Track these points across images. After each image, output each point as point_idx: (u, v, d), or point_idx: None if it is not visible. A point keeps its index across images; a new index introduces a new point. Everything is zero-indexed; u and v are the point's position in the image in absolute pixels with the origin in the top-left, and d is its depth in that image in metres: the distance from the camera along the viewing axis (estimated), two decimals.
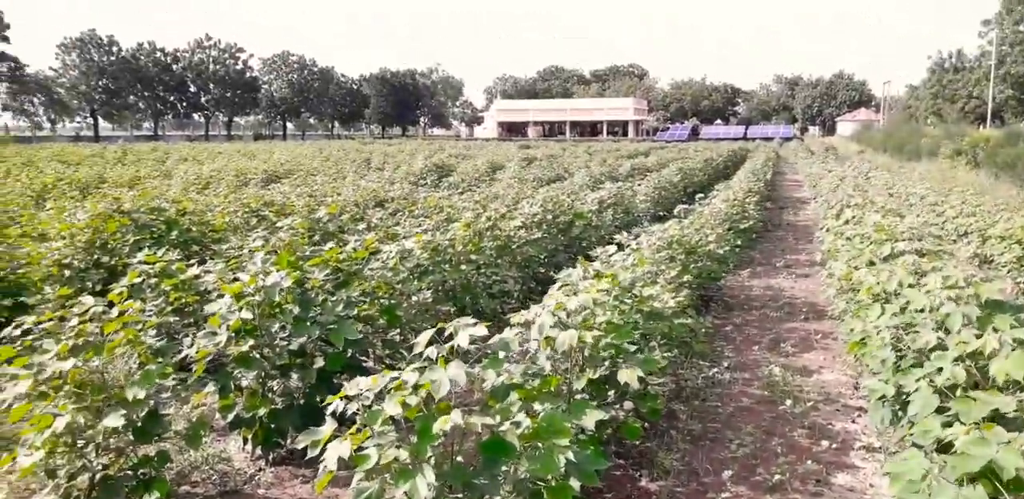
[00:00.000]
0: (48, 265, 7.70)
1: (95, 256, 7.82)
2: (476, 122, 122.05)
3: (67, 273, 7.67)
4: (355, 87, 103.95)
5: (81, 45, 76.42)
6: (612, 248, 5.71)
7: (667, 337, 5.11)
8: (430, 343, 3.22)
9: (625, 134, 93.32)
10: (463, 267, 7.07)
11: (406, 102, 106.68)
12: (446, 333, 3.24)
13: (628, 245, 6.73)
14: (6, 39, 67.60)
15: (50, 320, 5.36)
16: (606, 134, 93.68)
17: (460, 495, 3.00)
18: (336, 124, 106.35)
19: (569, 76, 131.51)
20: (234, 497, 3.99)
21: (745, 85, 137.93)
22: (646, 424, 4.64)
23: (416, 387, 3.01)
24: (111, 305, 4.04)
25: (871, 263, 6.85)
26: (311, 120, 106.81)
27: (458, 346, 3.18)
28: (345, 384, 4.62)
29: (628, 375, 3.86)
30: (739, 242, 10.48)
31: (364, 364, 5.14)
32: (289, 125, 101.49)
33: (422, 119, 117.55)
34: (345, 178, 18.11)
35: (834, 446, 4.77)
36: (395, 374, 3.10)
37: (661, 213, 15.57)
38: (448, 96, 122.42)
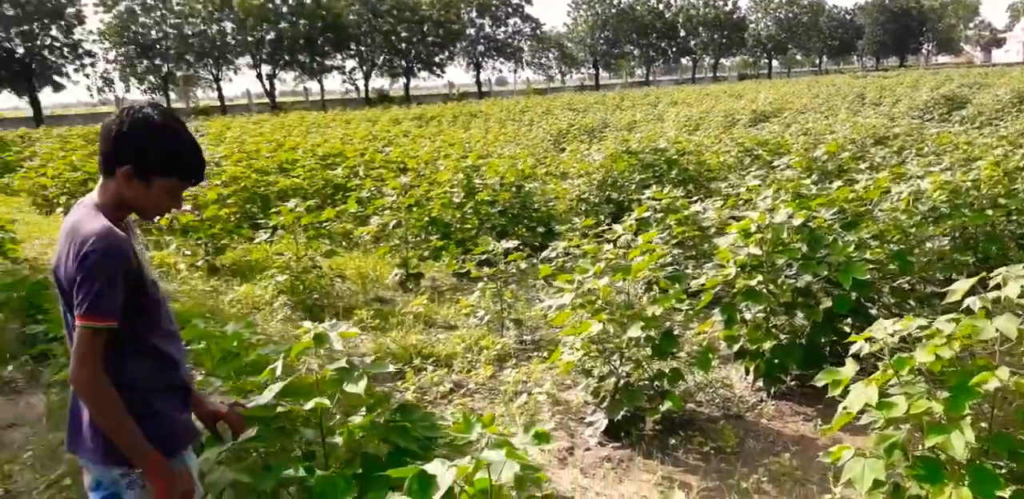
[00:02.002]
0: (570, 200, 8.86)
1: (606, 192, 8.73)
2: (995, 45, 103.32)
3: (584, 207, 8.73)
4: (847, 17, 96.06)
5: (588, 1, 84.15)
6: None
7: None
8: (969, 293, 2.90)
9: None
10: (988, 212, 6.15)
11: (907, 28, 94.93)
12: (991, 283, 2.88)
13: None
14: (529, 2, 77.74)
15: (576, 246, 6.18)
16: None
17: (1000, 462, 2.70)
18: (824, 59, 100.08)
19: None
20: (737, 422, 4.19)
21: None
22: None
23: (951, 338, 2.75)
24: (636, 234, 4.47)
25: None
26: (797, 56, 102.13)
27: (1005, 297, 2.80)
28: (846, 328, 4.50)
29: None
30: None
31: (869, 311, 4.89)
32: (774, 63, 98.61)
33: (925, 46, 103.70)
34: (837, 115, 17.05)
35: None
36: (923, 321, 2.88)
37: None
38: (959, 18, 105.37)
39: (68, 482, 3.65)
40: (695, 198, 7.23)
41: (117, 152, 2.00)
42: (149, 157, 1.99)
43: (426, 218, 8.04)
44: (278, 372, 2.58)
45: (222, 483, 2.62)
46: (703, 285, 4.49)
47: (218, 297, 6.87)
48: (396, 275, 7.28)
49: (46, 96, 50.05)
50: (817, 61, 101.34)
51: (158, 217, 2.18)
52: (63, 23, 48.07)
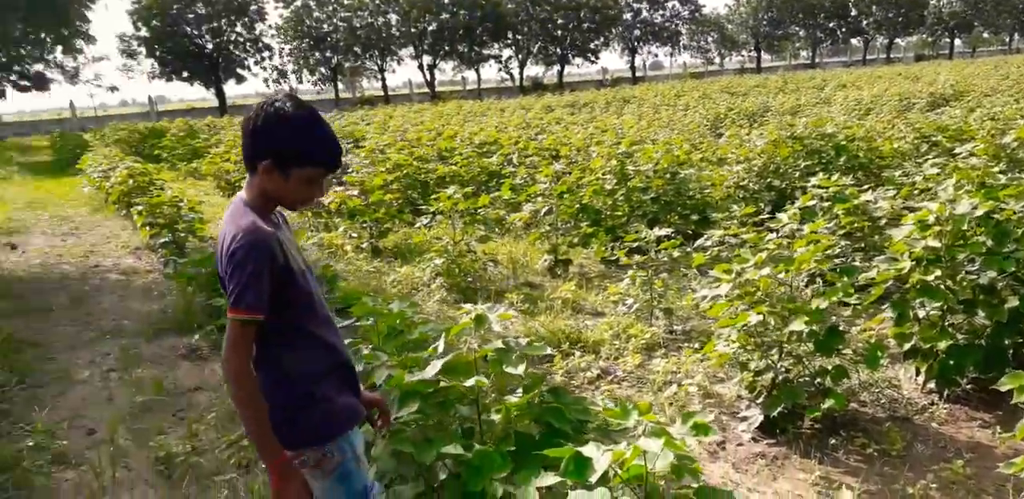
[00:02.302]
0: (727, 187, 8.59)
1: (767, 180, 8.39)
2: None
3: (742, 194, 8.44)
4: None
5: None
6: None
7: None
8: None
9: None
10: None
11: None
12: None
13: None
14: None
15: (733, 235, 5.99)
16: None
17: None
18: (1015, 36, 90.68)
19: None
20: (904, 424, 3.94)
21: None
22: None
23: None
24: (801, 223, 4.29)
25: None
26: (984, 34, 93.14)
27: None
28: None
29: None
30: None
31: None
32: (956, 42, 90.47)
33: None
34: None
35: None
36: None
37: None
38: None
39: (246, 443, 3.98)
40: (865, 187, 6.82)
41: (255, 147, 2.02)
42: (284, 149, 1.99)
43: (577, 205, 8.07)
44: (440, 349, 2.70)
45: (385, 453, 2.78)
46: (872, 279, 4.23)
47: (381, 277, 7.25)
48: (545, 261, 7.37)
49: (228, 87, 54.06)
50: (1007, 39, 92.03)
51: (302, 207, 2.20)
52: (247, 19, 51.80)
